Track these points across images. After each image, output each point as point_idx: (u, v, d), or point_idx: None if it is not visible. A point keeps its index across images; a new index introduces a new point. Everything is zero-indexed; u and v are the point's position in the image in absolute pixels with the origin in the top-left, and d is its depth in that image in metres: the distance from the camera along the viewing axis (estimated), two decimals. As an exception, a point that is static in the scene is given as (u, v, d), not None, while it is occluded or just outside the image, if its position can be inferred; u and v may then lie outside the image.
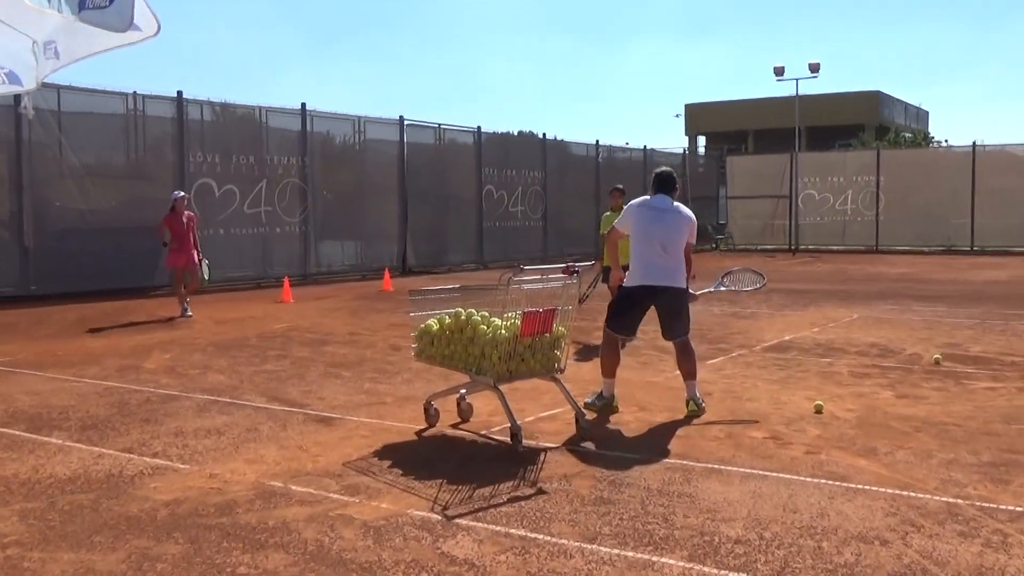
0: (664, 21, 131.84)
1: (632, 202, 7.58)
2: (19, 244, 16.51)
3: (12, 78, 5.79)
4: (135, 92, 18.32)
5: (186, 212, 14.42)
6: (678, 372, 7.51)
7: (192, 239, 14.39)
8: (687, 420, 7.01)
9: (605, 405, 7.33)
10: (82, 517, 4.91)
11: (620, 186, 12.43)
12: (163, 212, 14.62)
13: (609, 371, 7.40)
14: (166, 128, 18.93)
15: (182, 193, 14.74)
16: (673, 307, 7.32)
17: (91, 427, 6.94)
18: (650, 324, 7.70)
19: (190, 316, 14.01)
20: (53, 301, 15.83)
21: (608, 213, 11.88)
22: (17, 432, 6.80)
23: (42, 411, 7.50)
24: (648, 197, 7.52)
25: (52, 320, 13.72)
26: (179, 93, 18.95)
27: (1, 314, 14.27)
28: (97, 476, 5.65)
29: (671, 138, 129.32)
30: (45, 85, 6.02)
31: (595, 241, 25.10)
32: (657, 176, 7.56)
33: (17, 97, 14.71)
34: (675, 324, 7.35)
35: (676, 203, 7.47)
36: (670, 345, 7.56)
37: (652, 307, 7.39)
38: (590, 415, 6.99)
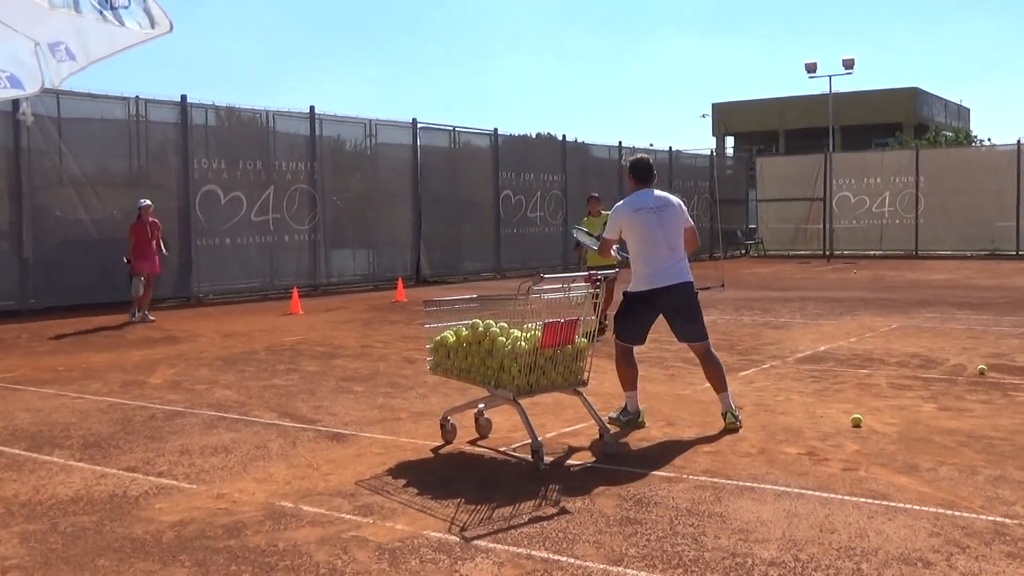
0: (689, 16, 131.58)
1: (620, 206, 7.21)
2: (18, 255, 16.39)
3: (14, 82, 5.64)
4: (137, 97, 18.28)
5: (151, 219, 14.97)
6: (707, 385, 7.35)
7: (156, 246, 15.06)
8: (720, 435, 6.84)
9: (631, 421, 7.11)
10: (85, 539, 4.80)
11: (595, 193, 13.77)
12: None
13: (629, 384, 7.15)
14: (169, 134, 18.82)
15: (148, 202, 15.21)
16: (685, 305, 7.10)
17: (94, 445, 6.82)
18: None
19: (152, 321, 14.72)
20: (53, 315, 15.81)
21: (586, 219, 13.07)
22: (17, 451, 6.69)
23: (43, 429, 7.39)
24: (636, 196, 7.19)
25: (52, 334, 13.62)
26: (183, 97, 18.89)
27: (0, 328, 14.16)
28: (100, 496, 5.54)
29: (698, 139, 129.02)
30: (44, 90, 5.83)
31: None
32: (640, 166, 7.27)
33: (15, 103, 14.63)
34: (689, 326, 7.13)
35: (661, 193, 7.27)
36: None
37: (661, 313, 7.17)
38: (614, 430, 6.84)
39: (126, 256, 14.95)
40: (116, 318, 15.36)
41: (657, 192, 7.26)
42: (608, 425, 6.68)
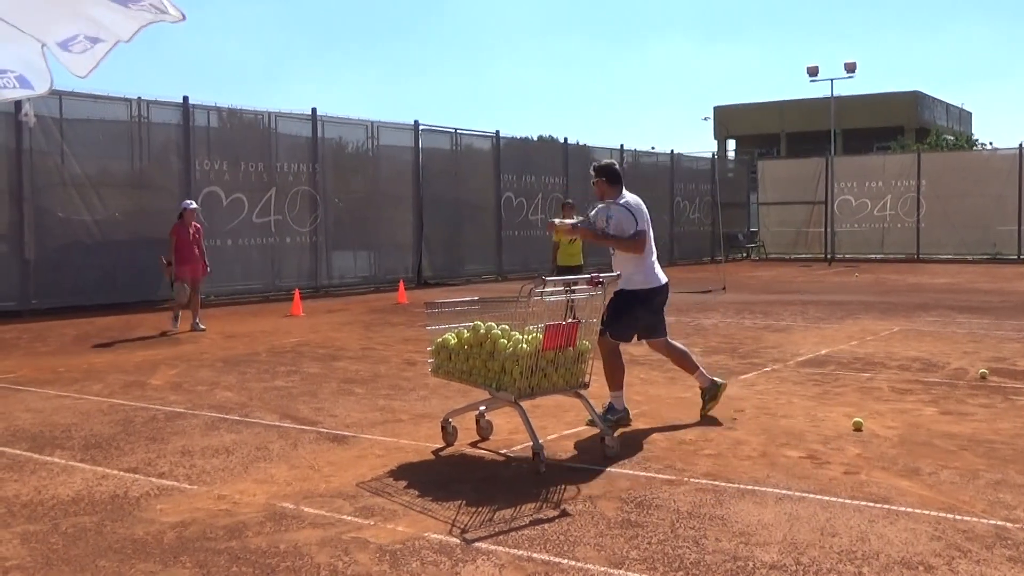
0: (691, 19, 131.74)
1: (631, 200, 7.35)
2: (19, 257, 16.38)
3: (22, 82, 5.62)
4: (139, 98, 18.28)
5: (193, 223, 14.25)
6: None
7: (198, 250, 14.23)
8: (707, 407, 7.09)
9: (621, 419, 7.14)
10: (86, 540, 4.79)
11: (570, 200, 15.19)
12: (169, 222, 14.51)
13: (618, 384, 7.22)
14: (171, 135, 18.81)
15: (194, 205, 14.53)
16: (664, 302, 7.42)
17: (95, 446, 6.81)
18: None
19: (203, 330, 13.85)
20: (55, 316, 15.81)
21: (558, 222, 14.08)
22: (19, 451, 6.68)
23: (44, 430, 7.37)
24: (629, 195, 7.42)
25: (54, 335, 13.62)
26: (185, 98, 18.89)
27: (1, 329, 14.20)
28: (101, 497, 5.53)
29: (700, 142, 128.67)
30: (52, 91, 5.81)
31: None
32: (616, 171, 7.53)
33: (17, 104, 14.58)
34: (659, 322, 7.42)
35: None
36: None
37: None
38: (613, 428, 6.84)
39: (166, 258, 14.07)
40: (117, 319, 15.35)
41: None
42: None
